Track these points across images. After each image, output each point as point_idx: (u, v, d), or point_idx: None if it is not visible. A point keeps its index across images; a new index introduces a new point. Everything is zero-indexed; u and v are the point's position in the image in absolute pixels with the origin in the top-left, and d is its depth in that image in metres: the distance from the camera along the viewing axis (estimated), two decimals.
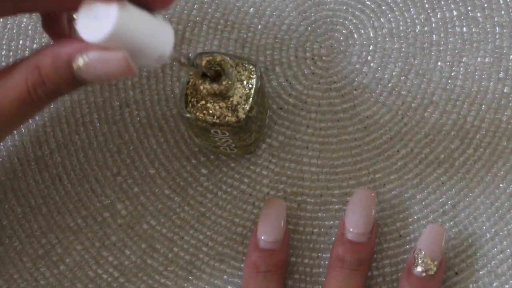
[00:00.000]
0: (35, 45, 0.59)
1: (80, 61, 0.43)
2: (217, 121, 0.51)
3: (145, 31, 0.44)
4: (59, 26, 0.50)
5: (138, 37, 0.44)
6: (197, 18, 0.59)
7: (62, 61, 0.43)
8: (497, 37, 0.57)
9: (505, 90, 0.57)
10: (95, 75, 0.43)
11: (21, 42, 0.59)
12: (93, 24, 0.43)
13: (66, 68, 0.43)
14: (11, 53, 0.59)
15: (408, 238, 0.55)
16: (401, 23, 0.58)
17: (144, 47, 0.44)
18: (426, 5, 0.58)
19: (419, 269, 0.51)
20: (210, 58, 0.49)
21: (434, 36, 0.58)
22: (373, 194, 0.53)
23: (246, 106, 0.51)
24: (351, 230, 0.52)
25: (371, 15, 0.58)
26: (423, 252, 0.52)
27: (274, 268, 0.52)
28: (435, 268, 0.51)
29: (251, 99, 0.51)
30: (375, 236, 0.53)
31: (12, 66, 0.44)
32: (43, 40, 0.58)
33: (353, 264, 0.52)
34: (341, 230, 0.53)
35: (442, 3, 0.58)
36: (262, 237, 0.53)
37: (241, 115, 0.51)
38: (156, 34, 0.45)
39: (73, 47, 0.44)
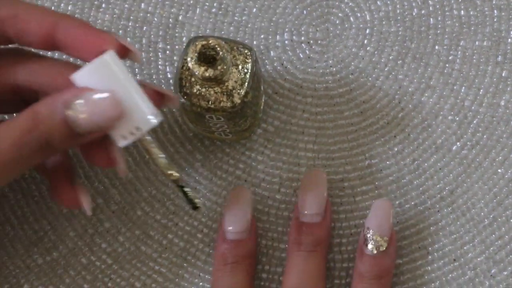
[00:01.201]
0: None
1: (73, 105, 0.45)
2: (212, 106, 0.50)
3: (130, 90, 0.46)
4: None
5: (122, 89, 0.45)
6: (191, 1, 0.58)
7: (57, 105, 0.45)
8: (495, 20, 0.57)
9: (503, 74, 0.56)
10: (86, 118, 0.44)
11: None
12: (85, 67, 0.46)
13: (60, 112, 0.45)
14: None
15: (405, 224, 0.55)
16: (398, 6, 0.57)
17: (128, 107, 0.46)
18: None
19: (369, 247, 0.51)
20: (205, 42, 0.48)
21: (431, 19, 0.57)
22: (323, 174, 0.54)
23: (241, 91, 0.50)
24: (304, 212, 0.52)
25: None
26: (372, 230, 0.52)
27: (241, 259, 0.52)
28: (385, 244, 0.51)
29: (246, 84, 0.50)
30: (330, 215, 0.53)
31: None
32: None
33: (309, 246, 0.52)
34: (295, 214, 0.53)
35: None
36: (229, 228, 0.53)
37: (236, 100, 0.50)
38: (142, 104, 0.46)
39: (70, 92, 0.45)
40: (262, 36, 0.57)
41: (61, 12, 0.48)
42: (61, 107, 0.45)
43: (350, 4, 0.57)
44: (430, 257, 0.54)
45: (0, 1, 0.47)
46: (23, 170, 0.47)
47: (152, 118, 0.46)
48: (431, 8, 0.57)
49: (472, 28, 0.57)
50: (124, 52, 0.47)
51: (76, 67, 0.48)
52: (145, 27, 0.58)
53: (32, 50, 0.50)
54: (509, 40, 0.57)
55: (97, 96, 0.45)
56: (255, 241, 0.54)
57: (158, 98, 0.48)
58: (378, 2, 0.57)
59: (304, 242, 0.52)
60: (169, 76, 0.57)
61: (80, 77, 0.46)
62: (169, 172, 0.48)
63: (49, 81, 0.48)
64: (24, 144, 0.45)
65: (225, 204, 0.54)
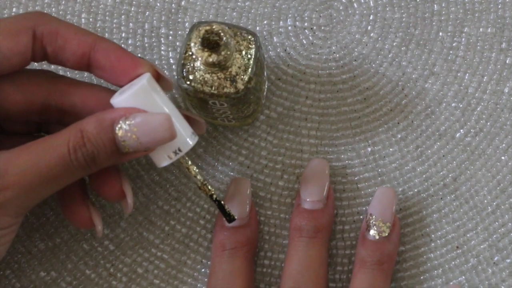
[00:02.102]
0: None
1: (123, 124, 0.46)
2: (215, 92, 0.50)
3: (171, 114, 0.47)
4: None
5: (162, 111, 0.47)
6: None
7: (106, 124, 0.46)
8: (499, 6, 0.57)
9: (507, 61, 0.56)
10: (136, 138, 0.46)
11: (14, 10, 0.57)
12: (125, 92, 0.47)
13: (108, 131, 0.46)
14: None
15: (408, 211, 0.55)
16: None
17: None
18: None
19: (372, 233, 0.52)
20: (208, 27, 0.48)
21: (435, 5, 0.57)
22: (325, 162, 0.54)
23: (245, 76, 0.50)
24: (306, 199, 0.53)
25: None
26: (374, 216, 0.52)
27: (240, 245, 0.53)
28: (388, 230, 0.52)
29: (250, 69, 0.50)
30: (332, 203, 0.54)
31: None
32: (36, 9, 0.57)
33: (310, 232, 0.52)
34: (297, 201, 0.54)
35: None
36: None
37: (240, 86, 0.50)
38: (180, 127, 0.47)
39: (118, 112, 0.46)
40: (265, 22, 0.57)
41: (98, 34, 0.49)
42: (110, 126, 0.46)
43: None
44: (433, 244, 0.54)
45: (43, 17, 0.48)
46: (66, 184, 0.47)
47: (190, 140, 0.48)
48: None
49: (476, 15, 0.57)
50: (156, 79, 0.48)
51: (107, 90, 0.49)
52: (147, 12, 0.57)
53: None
54: None
55: (151, 118, 0.46)
56: (255, 228, 0.54)
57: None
58: None
59: (305, 228, 0.52)
60: (171, 61, 0.57)
61: (121, 102, 0.47)
62: (206, 188, 0.50)
63: (82, 101, 0.49)
64: (70, 161, 0.46)
65: (225, 194, 0.54)
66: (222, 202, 0.50)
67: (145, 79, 0.47)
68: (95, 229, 0.51)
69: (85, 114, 0.48)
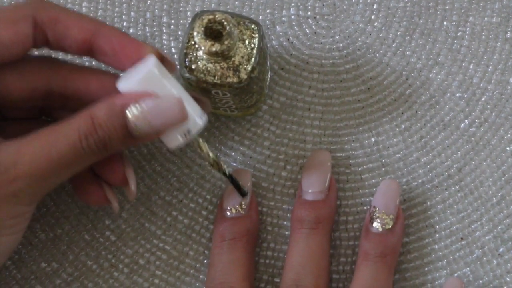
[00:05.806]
0: None
1: (134, 109, 0.46)
2: (218, 81, 0.50)
3: (180, 94, 0.47)
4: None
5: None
6: None
7: (116, 110, 0.46)
8: None
9: None
10: (148, 122, 0.46)
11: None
12: (132, 77, 0.47)
13: (120, 117, 0.46)
14: None
15: (412, 202, 0.54)
16: None
17: None
18: None
19: (375, 225, 0.52)
20: (211, 17, 0.48)
21: None
22: (327, 152, 0.54)
23: (248, 66, 0.50)
24: (308, 191, 0.53)
25: None
26: (378, 208, 0.52)
27: (239, 236, 0.52)
28: (391, 222, 0.52)
29: (253, 59, 0.50)
30: (334, 194, 0.53)
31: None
32: None
33: (311, 223, 0.52)
34: (299, 193, 0.53)
35: None
36: (227, 207, 0.53)
37: (243, 75, 0.50)
38: (189, 107, 0.47)
39: (128, 97, 0.46)
40: (268, 11, 0.57)
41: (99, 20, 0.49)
42: (120, 112, 0.46)
43: None
44: (437, 235, 0.54)
45: (43, 4, 0.48)
46: (78, 170, 0.47)
47: (200, 120, 0.47)
48: None
49: (481, 4, 0.56)
50: (160, 61, 0.48)
51: (110, 74, 0.49)
52: (149, 1, 0.57)
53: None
54: None
55: (162, 101, 0.46)
56: (255, 219, 0.53)
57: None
58: None
59: (306, 219, 0.52)
60: (173, 51, 0.56)
61: (130, 87, 0.46)
62: (218, 165, 0.50)
63: (85, 86, 0.49)
64: (82, 148, 0.46)
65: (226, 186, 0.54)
66: (234, 177, 0.51)
67: (152, 63, 0.47)
68: (110, 206, 0.51)
69: (88, 98, 0.48)
